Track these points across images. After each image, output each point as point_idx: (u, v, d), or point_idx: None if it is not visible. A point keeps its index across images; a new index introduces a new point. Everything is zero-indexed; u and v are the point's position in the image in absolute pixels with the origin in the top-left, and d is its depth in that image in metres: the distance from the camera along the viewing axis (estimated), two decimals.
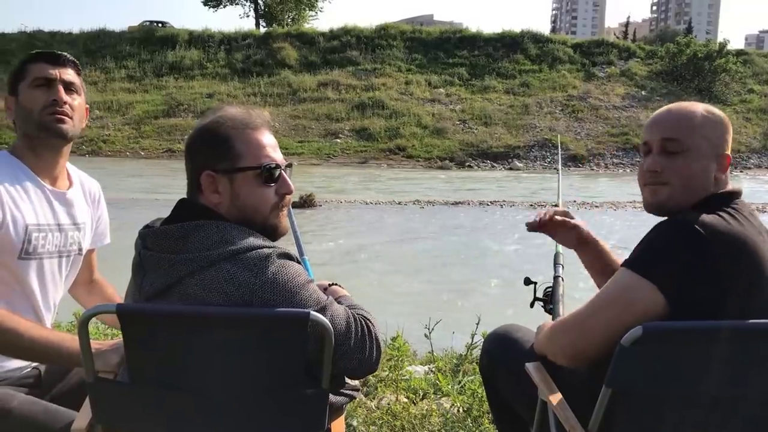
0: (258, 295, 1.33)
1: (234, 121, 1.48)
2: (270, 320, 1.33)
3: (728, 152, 1.68)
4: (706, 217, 1.50)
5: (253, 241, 1.39)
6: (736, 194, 1.65)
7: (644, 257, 1.53)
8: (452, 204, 15.91)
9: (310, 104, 31.74)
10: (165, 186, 16.57)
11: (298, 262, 1.44)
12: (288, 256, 1.41)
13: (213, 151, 1.46)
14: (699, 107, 1.68)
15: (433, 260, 9.56)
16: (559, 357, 1.64)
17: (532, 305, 2.17)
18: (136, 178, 19.43)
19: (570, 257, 2.25)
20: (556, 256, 2.40)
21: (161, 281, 1.35)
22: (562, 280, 2.25)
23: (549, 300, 2.20)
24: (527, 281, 2.20)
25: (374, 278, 8.22)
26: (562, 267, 2.33)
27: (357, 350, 1.47)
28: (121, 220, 11.72)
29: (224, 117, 1.49)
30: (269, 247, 1.39)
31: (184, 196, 1.51)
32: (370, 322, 1.53)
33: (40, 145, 1.87)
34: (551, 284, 2.25)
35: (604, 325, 1.52)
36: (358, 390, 1.88)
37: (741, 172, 26.67)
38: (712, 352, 1.36)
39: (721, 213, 1.54)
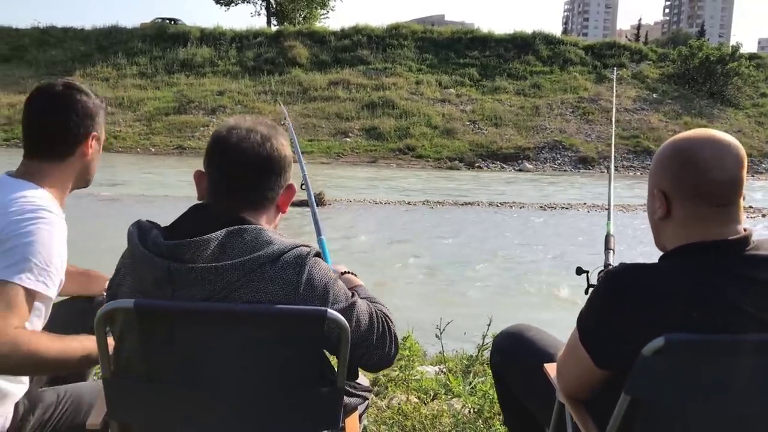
0: (299, 292, 1.35)
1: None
2: (287, 318, 1.33)
3: (665, 189, 1.46)
4: (638, 266, 1.43)
5: (288, 240, 1.42)
6: (715, 245, 1.41)
7: (581, 316, 1.50)
8: (462, 205, 15.87)
9: (320, 103, 31.75)
10: (174, 183, 16.63)
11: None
12: (320, 255, 1.45)
13: (289, 167, 1.56)
14: (674, 137, 1.53)
15: (443, 261, 9.53)
16: (564, 396, 1.65)
17: (586, 292, 2.14)
18: (146, 174, 19.49)
19: (620, 238, 2.18)
20: (608, 238, 2.34)
21: (206, 290, 1.33)
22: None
23: None
24: (579, 271, 2.15)
25: (384, 277, 8.20)
26: (613, 252, 2.27)
27: (378, 347, 1.52)
28: (136, 215, 11.76)
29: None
30: (306, 246, 1.42)
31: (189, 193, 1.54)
32: (389, 317, 1.58)
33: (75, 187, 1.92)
34: (603, 269, 2.20)
35: (575, 376, 1.55)
36: (370, 391, 1.89)
37: (753, 177, 26.52)
38: (736, 366, 1.33)
39: (674, 262, 1.45)
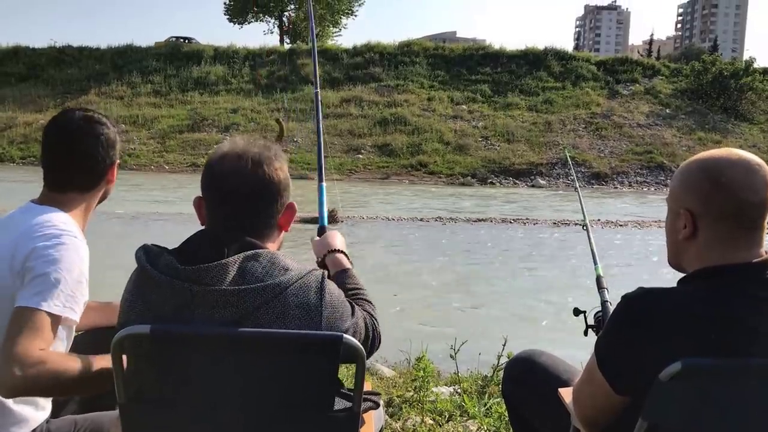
0: (323, 314, 1.39)
1: None
2: (304, 342, 1.33)
3: (693, 209, 1.42)
4: (657, 290, 1.41)
5: (301, 264, 1.44)
6: (737, 269, 1.39)
7: (598, 341, 1.48)
8: (475, 221, 15.84)
9: (332, 120, 31.88)
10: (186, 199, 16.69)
11: None
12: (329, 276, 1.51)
13: (286, 188, 1.55)
14: (699, 156, 1.49)
15: (457, 278, 9.51)
16: (579, 422, 1.63)
17: (586, 333, 2.16)
18: (159, 191, 19.62)
19: (612, 279, 2.25)
20: (599, 279, 2.41)
21: (228, 313, 1.33)
22: (610, 304, 2.23)
23: (601, 326, 2.17)
24: (576, 312, 2.21)
25: (398, 296, 8.17)
26: (607, 290, 2.33)
27: (368, 353, 1.57)
28: (151, 233, 11.83)
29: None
30: (317, 269, 1.45)
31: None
32: (375, 318, 1.66)
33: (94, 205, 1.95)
34: (600, 309, 2.23)
35: (592, 401, 1.53)
36: (379, 394, 1.88)
37: None
38: (755, 391, 1.32)
39: (693, 285, 1.43)
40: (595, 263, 2.58)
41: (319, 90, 2.75)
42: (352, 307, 1.52)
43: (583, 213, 3.03)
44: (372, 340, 1.61)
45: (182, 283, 1.35)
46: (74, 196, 1.86)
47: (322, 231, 2.10)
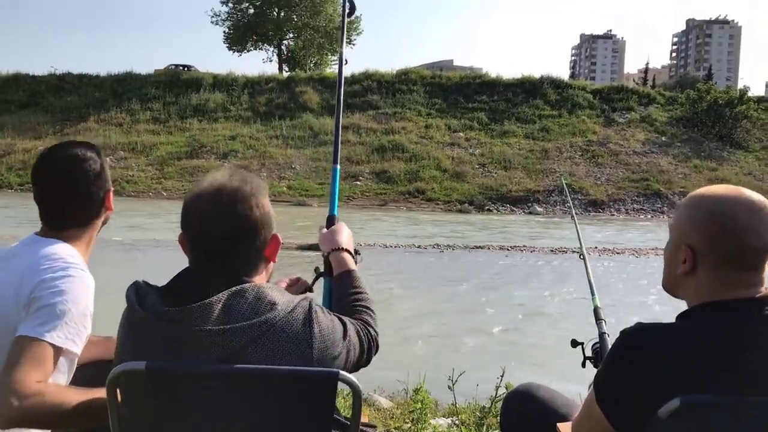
0: (313, 346, 1.36)
1: None
2: (299, 379, 1.32)
3: (695, 247, 1.42)
4: (656, 326, 1.40)
5: (287, 295, 1.42)
6: (735, 305, 1.39)
7: (597, 376, 1.48)
8: (472, 248, 15.83)
9: (330, 147, 31.90)
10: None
11: None
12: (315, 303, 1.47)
13: (266, 223, 1.50)
14: (706, 193, 1.47)
15: (454, 306, 9.47)
16: None
17: (583, 365, 2.15)
18: (155, 218, 19.60)
19: (609, 309, 2.23)
20: (596, 311, 2.39)
21: (215, 353, 1.30)
22: (608, 335, 2.21)
23: (599, 358, 2.16)
24: (574, 343, 2.19)
25: (395, 324, 8.12)
26: (605, 322, 2.31)
27: (364, 362, 1.58)
28: (145, 261, 11.79)
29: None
30: (304, 299, 1.42)
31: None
32: (372, 327, 1.63)
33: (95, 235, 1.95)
34: (597, 341, 2.22)
35: None
36: (375, 427, 1.86)
37: None
38: (753, 428, 1.30)
39: (693, 321, 1.42)
40: (593, 294, 2.55)
41: (344, 49, 2.56)
42: (344, 326, 1.48)
43: (580, 242, 2.99)
44: (368, 351, 1.58)
45: (167, 324, 1.33)
46: (74, 232, 1.87)
47: (330, 221, 2.03)
